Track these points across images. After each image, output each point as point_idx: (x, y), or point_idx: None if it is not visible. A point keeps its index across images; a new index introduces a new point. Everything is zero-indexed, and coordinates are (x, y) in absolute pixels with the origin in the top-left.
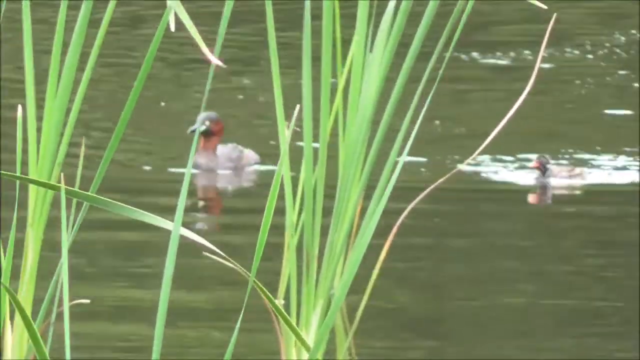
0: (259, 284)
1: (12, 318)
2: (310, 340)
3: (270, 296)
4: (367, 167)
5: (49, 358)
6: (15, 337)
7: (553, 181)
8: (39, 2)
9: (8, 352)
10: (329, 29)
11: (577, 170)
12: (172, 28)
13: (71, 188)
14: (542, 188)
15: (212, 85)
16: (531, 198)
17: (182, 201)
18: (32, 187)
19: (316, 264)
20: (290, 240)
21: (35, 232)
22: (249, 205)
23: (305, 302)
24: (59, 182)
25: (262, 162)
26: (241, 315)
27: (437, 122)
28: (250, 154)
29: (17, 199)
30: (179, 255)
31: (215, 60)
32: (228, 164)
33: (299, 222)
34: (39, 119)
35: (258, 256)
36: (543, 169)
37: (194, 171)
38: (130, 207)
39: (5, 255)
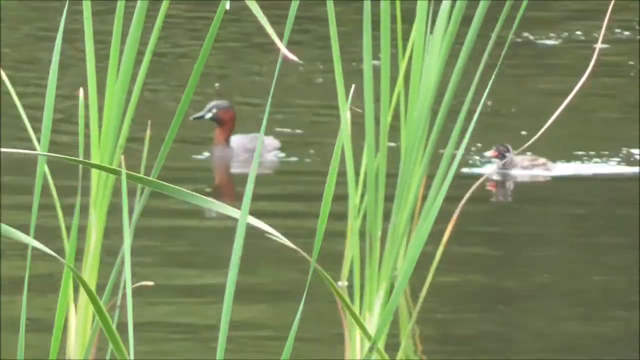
0: (320, 268)
1: (75, 301)
2: (373, 322)
3: (332, 280)
4: (429, 150)
5: (116, 334)
6: (79, 319)
7: (514, 171)
8: None
9: (72, 334)
10: (386, 12)
11: (541, 160)
12: (227, 6)
13: (132, 172)
14: (502, 178)
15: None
16: (490, 187)
17: (249, 188)
18: (94, 171)
19: (379, 246)
20: (353, 223)
21: (98, 215)
22: (266, 191)
23: (368, 285)
24: (121, 165)
25: (281, 149)
26: (303, 298)
27: (489, 102)
28: (268, 141)
29: (80, 182)
30: (228, 241)
31: (290, 55)
32: (244, 154)
33: (362, 206)
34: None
35: (319, 239)
36: (502, 157)
37: (199, 158)
38: (193, 193)
39: (69, 239)
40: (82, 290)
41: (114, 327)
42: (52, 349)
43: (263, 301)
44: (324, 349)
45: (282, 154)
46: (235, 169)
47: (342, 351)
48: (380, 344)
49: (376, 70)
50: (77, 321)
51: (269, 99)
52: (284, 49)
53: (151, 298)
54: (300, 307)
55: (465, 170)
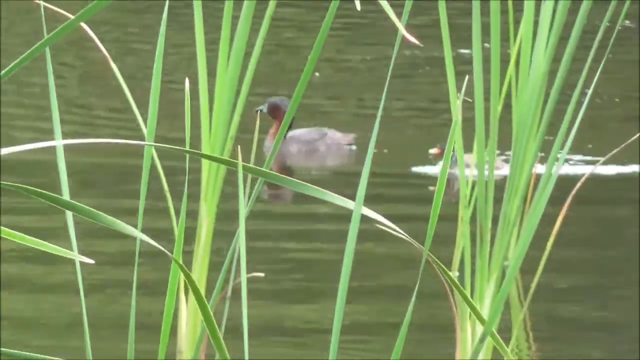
0: (433, 256)
1: (186, 292)
2: (484, 312)
3: (445, 268)
4: (539, 140)
5: (221, 338)
6: (190, 312)
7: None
8: None
9: (183, 327)
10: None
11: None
12: (358, 7)
13: (247, 164)
14: (449, 179)
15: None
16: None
17: (363, 182)
18: (204, 163)
19: (489, 236)
20: (464, 213)
21: (209, 206)
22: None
23: (479, 275)
24: (232, 155)
25: (352, 143)
26: (416, 288)
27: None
28: (336, 135)
29: (188, 174)
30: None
31: (413, 40)
32: (295, 145)
33: (472, 197)
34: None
35: (431, 230)
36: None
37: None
38: (308, 184)
39: (177, 229)
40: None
41: (219, 330)
42: (160, 347)
43: (366, 301)
44: (432, 345)
45: (354, 147)
46: (288, 160)
47: (447, 347)
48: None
49: (469, 61)
50: (188, 318)
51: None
52: (404, 32)
53: (255, 301)
54: (412, 301)
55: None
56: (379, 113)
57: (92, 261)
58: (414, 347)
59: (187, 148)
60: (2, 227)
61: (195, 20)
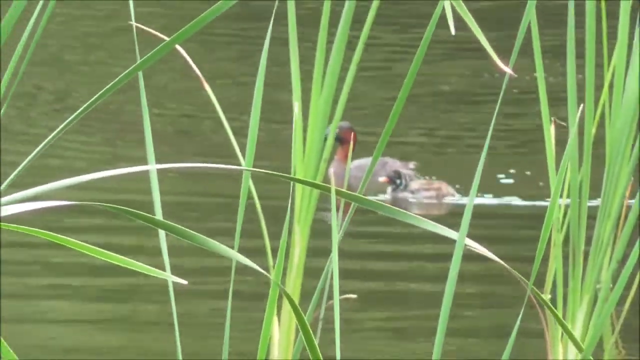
0: (537, 290)
1: (278, 314)
2: (576, 334)
3: (537, 291)
4: (633, 162)
5: (319, 353)
6: (283, 334)
7: (411, 196)
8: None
9: (275, 350)
10: (591, 26)
11: (436, 184)
12: (453, 31)
13: (341, 189)
14: (395, 203)
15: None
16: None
17: (467, 213)
18: (298, 187)
19: (582, 258)
20: (556, 237)
21: (302, 229)
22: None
23: (571, 297)
24: (325, 179)
25: (417, 173)
26: (521, 313)
27: None
28: (395, 164)
29: (291, 198)
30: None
31: (508, 70)
32: (358, 173)
33: (565, 219)
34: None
35: (539, 257)
36: (394, 182)
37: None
38: (405, 211)
39: (271, 253)
40: (284, 305)
41: (316, 344)
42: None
43: (456, 338)
44: None
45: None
46: (351, 189)
47: None
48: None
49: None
50: (280, 336)
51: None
52: (498, 62)
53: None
54: (515, 329)
55: None
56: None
57: (185, 282)
58: None
59: (292, 175)
60: (94, 247)
61: (290, 47)
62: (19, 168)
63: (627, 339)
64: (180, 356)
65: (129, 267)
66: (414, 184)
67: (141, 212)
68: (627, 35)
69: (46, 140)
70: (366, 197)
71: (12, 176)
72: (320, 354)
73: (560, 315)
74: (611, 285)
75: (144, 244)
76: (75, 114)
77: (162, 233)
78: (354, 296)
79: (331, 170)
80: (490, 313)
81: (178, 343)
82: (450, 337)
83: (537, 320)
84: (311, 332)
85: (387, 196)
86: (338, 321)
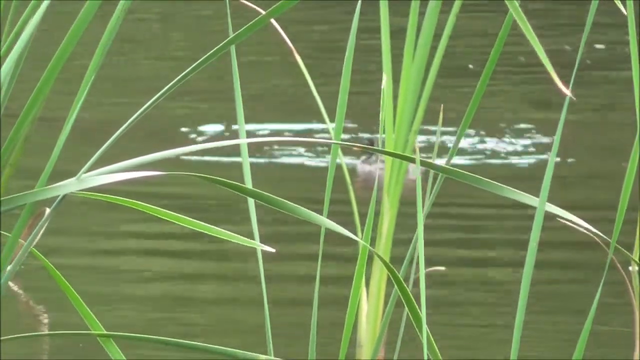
0: (621, 247)
1: (367, 286)
2: None
3: (624, 250)
4: None
5: (414, 301)
6: (371, 307)
7: (382, 166)
8: None
9: (363, 321)
10: None
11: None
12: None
13: (426, 160)
14: (365, 175)
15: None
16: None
17: (547, 177)
18: (387, 157)
19: None
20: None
21: (391, 199)
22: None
23: None
24: (414, 151)
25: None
26: (597, 298)
27: None
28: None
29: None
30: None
31: (567, 93)
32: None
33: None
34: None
35: (619, 221)
36: (366, 152)
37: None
38: (491, 181)
39: (362, 225)
40: (373, 276)
41: (409, 293)
42: (343, 340)
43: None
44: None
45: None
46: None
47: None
48: None
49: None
50: (369, 312)
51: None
52: (561, 86)
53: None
54: (597, 297)
55: None
56: None
57: (273, 250)
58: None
59: (380, 147)
60: (188, 218)
61: (382, 16)
62: (112, 138)
63: None
64: (269, 327)
65: (219, 235)
66: (374, 156)
67: (232, 182)
68: None
69: (143, 108)
70: (451, 168)
71: (109, 142)
72: (420, 312)
73: None
74: None
75: (230, 216)
76: (164, 90)
77: (251, 201)
78: (442, 268)
79: (365, 167)
80: (569, 287)
81: (267, 313)
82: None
83: (620, 296)
84: (407, 289)
85: (359, 168)
86: (424, 293)
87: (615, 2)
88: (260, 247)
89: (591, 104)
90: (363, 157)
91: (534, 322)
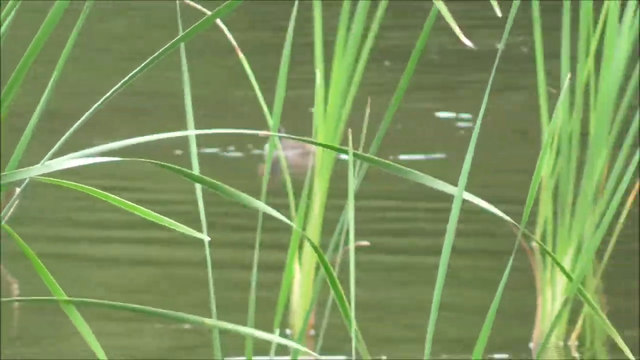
0: (527, 232)
1: (299, 261)
2: (563, 279)
3: (528, 233)
4: (618, 121)
5: (339, 287)
6: (304, 276)
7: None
8: None
9: (296, 293)
10: None
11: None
12: (499, 13)
13: (357, 151)
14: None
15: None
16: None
17: (465, 169)
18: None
19: (570, 210)
20: (547, 185)
21: (321, 183)
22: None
23: (559, 244)
24: (344, 141)
25: None
26: (509, 264)
27: None
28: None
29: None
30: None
31: (469, 44)
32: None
33: (555, 169)
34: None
35: (529, 205)
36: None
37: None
38: (418, 172)
39: (296, 208)
40: (305, 251)
41: (334, 274)
42: (280, 300)
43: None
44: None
45: None
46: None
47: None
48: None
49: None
50: (302, 277)
51: None
52: (462, 37)
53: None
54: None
55: None
56: None
57: (208, 238)
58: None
59: (312, 139)
60: (126, 201)
61: (315, 16)
62: (71, 129)
63: (609, 286)
64: (214, 304)
65: (167, 224)
66: (292, 144)
67: (182, 169)
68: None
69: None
70: (378, 159)
71: (66, 135)
72: (340, 287)
73: (546, 259)
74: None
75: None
76: (123, 80)
77: (198, 187)
78: (367, 243)
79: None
80: (481, 264)
81: (210, 280)
82: (447, 287)
83: (526, 272)
84: (331, 267)
85: (265, 152)
86: (353, 264)
87: (492, 2)
88: (192, 233)
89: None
90: (266, 146)
91: (452, 295)
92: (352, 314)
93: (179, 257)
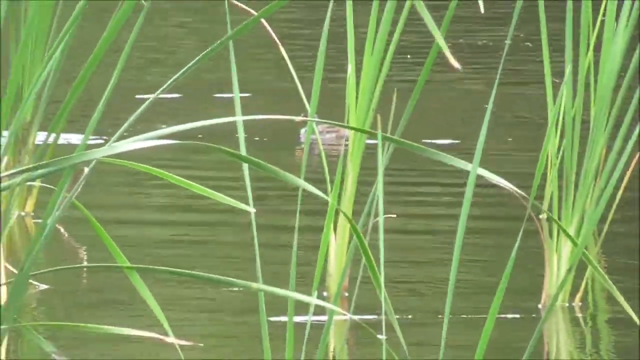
0: (537, 203)
1: (334, 232)
2: (568, 248)
3: (538, 204)
4: (615, 108)
5: (369, 250)
6: (338, 246)
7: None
8: None
9: (332, 256)
10: None
11: (336, 127)
12: (482, 9)
13: (385, 134)
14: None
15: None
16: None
17: (479, 149)
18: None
19: (573, 186)
20: (553, 164)
21: (354, 162)
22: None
23: (564, 216)
24: (374, 126)
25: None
26: (522, 229)
27: None
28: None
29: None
30: None
31: (458, 66)
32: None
33: (561, 149)
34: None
35: (537, 179)
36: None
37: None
38: (442, 153)
39: (331, 188)
40: (339, 224)
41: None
42: (317, 267)
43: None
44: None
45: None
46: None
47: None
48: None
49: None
50: (337, 245)
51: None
52: (451, 59)
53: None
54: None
55: None
56: None
57: (252, 209)
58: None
59: (346, 123)
60: (184, 180)
61: (347, 16)
62: (134, 115)
63: (608, 251)
64: (258, 262)
65: (211, 197)
66: (320, 126)
67: (230, 150)
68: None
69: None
70: (406, 141)
71: (130, 119)
72: (370, 253)
73: (555, 231)
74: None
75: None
76: (183, 70)
77: (245, 166)
78: (394, 215)
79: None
80: (492, 237)
81: (257, 250)
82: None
83: (536, 250)
84: (362, 236)
85: (302, 139)
86: (382, 235)
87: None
88: (239, 206)
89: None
90: (304, 129)
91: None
92: (382, 278)
93: (221, 236)
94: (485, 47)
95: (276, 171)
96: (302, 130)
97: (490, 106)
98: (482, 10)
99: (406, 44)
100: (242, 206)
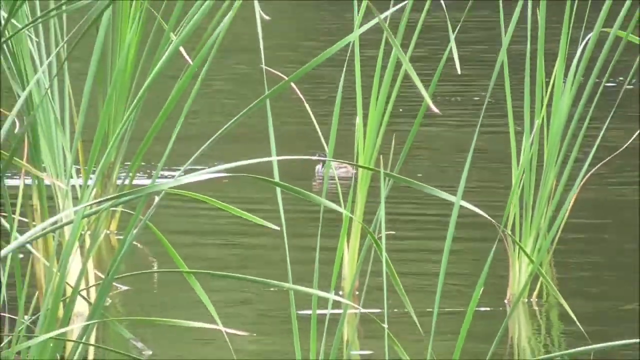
0: (508, 231)
1: (347, 242)
2: (526, 261)
3: (501, 227)
4: (564, 149)
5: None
6: (351, 252)
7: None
8: None
9: (346, 260)
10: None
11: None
12: (459, 71)
13: (387, 172)
14: (322, 178)
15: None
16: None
17: (463, 179)
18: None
19: (531, 209)
20: (514, 190)
21: (361, 193)
22: None
23: (524, 233)
24: (378, 164)
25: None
26: (495, 245)
27: None
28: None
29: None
30: None
31: (436, 110)
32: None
33: (520, 181)
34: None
35: (509, 207)
36: (322, 161)
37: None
38: (420, 182)
39: (344, 205)
40: (351, 236)
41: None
42: (334, 270)
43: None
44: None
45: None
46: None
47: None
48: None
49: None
50: (349, 253)
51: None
52: (431, 104)
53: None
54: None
55: None
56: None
57: (277, 227)
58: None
59: (355, 162)
60: (214, 200)
61: (356, 77)
62: (203, 147)
63: (559, 268)
64: (290, 274)
65: (243, 216)
66: (336, 165)
67: (264, 177)
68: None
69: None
70: (408, 179)
71: (196, 153)
72: (387, 258)
73: (516, 247)
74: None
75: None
76: (234, 119)
77: (278, 190)
78: (392, 233)
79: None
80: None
81: (287, 257)
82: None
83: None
84: (379, 242)
85: (319, 174)
86: (384, 246)
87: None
88: (263, 223)
89: None
90: (319, 165)
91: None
92: (383, 279)
93: (256, 248)
94: (457, 102)
95: (305, 193)
96: (317, 167)
97: (471, 151)
98: (459, 71)
99: (406, 95)
100: (270, 225)
